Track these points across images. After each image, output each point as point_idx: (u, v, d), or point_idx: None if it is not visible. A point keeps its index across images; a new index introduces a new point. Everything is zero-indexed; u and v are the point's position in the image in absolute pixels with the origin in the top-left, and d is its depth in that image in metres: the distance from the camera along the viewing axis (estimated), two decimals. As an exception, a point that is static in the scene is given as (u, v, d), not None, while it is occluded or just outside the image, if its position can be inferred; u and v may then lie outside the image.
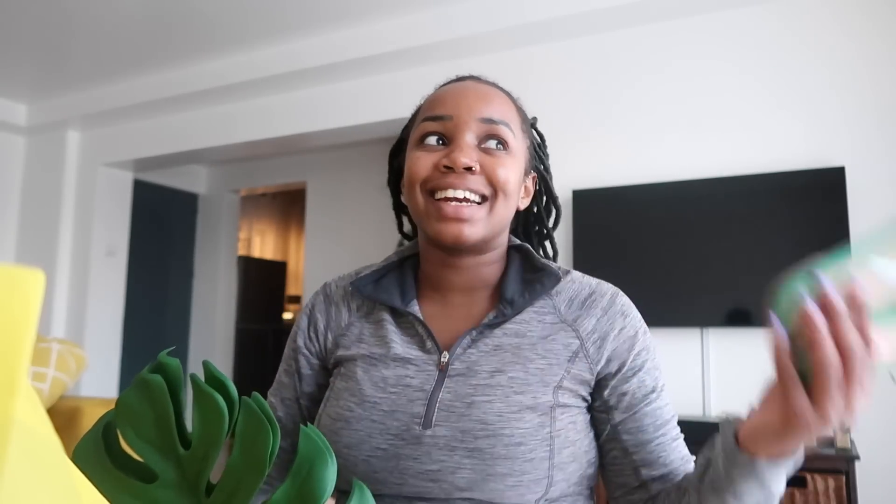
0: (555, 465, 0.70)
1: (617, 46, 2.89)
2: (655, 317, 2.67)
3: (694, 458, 0.76)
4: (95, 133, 4.43)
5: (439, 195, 0.74)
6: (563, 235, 2.87)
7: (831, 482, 2.10)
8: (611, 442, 0.76)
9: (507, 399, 0.72)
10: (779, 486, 0.63)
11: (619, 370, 0.75)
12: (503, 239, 0.82)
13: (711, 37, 2.72)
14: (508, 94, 0.82)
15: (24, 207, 4.56)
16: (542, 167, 0.87)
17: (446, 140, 0.76)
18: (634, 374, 0.76)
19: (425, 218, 0.76)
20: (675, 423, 0.77)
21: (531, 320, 0.77)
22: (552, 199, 0.89)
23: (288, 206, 7.85)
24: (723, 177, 2.60)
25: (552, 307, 0.78)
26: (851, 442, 2.24)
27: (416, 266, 0.85)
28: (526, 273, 0.80)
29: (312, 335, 0.85)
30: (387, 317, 0.81)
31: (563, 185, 2.87)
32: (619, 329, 0.76)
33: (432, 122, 0.76)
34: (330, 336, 0.84)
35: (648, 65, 2.83)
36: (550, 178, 0.88)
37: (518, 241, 0.84)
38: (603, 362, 0.75)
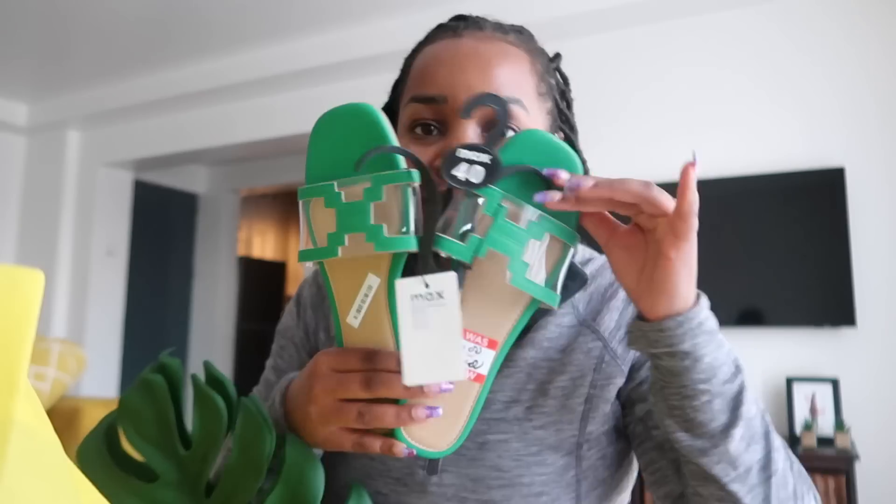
0: None
1: (614, 48, 2.89)
2: (655, 317, 2.69)
3: None
4: (95, 133, 4.43)
5: None
6: (563, 235, 2.87)
7: (831, 482, 2.10)
8: (644, 444, 0.63)
9: (526, 437, 0.61)
10: (699, 348, 0.52)
11: (636, 359, 0.64)
12: None
13: (711, 37, 2.72)
14: (519, 44, 0.66)
15: (24, 207, 4.56)
16: (568, 124, 0.70)
17: (441, 126, 0.61)
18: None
19: None
20: None
21: (547, 325, 0.64)
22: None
23: (288, 206, 7.85)
24: (722, 177, 2.60)
25: (571, 306, 0.65)
26: (851, 442, 2.24)
27: None
28: None
29: (303, 333, 0.75)
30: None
31: (563, 185, 2.87)
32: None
33: (423, 106, 0.61)
34: (322, 336, 0.73)
35: (647, 65, 2.83)
36: (576, 134, 0.71)
37: None
38: (630, 356, 0.63)
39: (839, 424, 2.25)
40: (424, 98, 0.61)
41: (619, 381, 0.62)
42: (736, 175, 2.58)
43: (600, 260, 0.69)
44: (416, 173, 0.53)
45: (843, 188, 2.39)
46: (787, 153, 2.55)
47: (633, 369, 0.64)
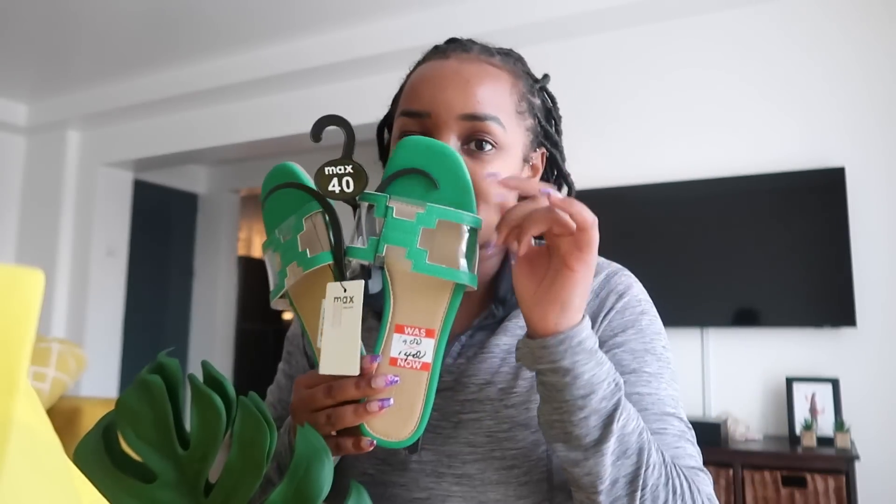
0: (555, 486, 0.65)
1: (615, 47, 2.89)
2: (655, 317, 2.70)
3: (695, 455, 0.66)
4: (95, 133, 4.43)
5: None
6: (563, 235, 2.87)
7: (831, 482, 2.10)
8: None
9: (497, 415, 0.66)
10: (578, 366, 0.56)
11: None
12: None
13: (711, 37, 2.72)
14: (502, 65, 0.70)
15: (24, 207, 4.56)
16: (551, 141, 0.75)
17: None
18: (609, 351, 0.67)
19: None
20: (669, 419, 0.66)
21: (521, 315, 0.69)
22: (562, 175, 0.77)
23: (288, 206, 7.85)
24: (723, 177, 2.60)
25: None
26: (851, 442, 2.24)
27: None
28: None
29: (308, 340, 0.81)
30: (374, 324, 0.73)
31: (563, 186, 2.87)
32: (609, 309, 0.69)
33: (410, 120, 0.68)
34: None
35: (648, 65, 2.82)
36: (560, 153, 0.76)
37: None
38: None
39: (839, 424, 2.25)
40: (411, 113, 0.68)
41: None
42: (736, 175, 2.57)
43: None
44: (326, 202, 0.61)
45: (843, 188, 2.39)
46: (787, 153, 2.55)
47: None
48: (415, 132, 0.67)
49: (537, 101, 0.73)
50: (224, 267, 5.47)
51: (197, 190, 5.57)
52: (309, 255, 0.61)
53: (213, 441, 0.55)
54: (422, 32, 3.08)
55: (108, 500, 0.32)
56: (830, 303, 2.40)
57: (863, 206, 2.42)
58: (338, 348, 0.58)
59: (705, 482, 0.63)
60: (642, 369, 0.67)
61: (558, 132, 0.77)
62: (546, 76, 0.77)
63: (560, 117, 0.78)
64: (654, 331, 0.70)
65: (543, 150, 0.74)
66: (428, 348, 0.60)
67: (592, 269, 0.57)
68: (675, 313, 2.59)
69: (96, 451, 0.56)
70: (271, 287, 0.64)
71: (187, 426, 0.58)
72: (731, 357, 2.56)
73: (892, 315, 2.36)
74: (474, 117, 0.65)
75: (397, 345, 0.60)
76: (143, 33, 3.40)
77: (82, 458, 0.56)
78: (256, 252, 7.74)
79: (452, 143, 0.65)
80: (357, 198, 0.60)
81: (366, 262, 0.60)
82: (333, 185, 0.60)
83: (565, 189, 0.78)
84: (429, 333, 0.60)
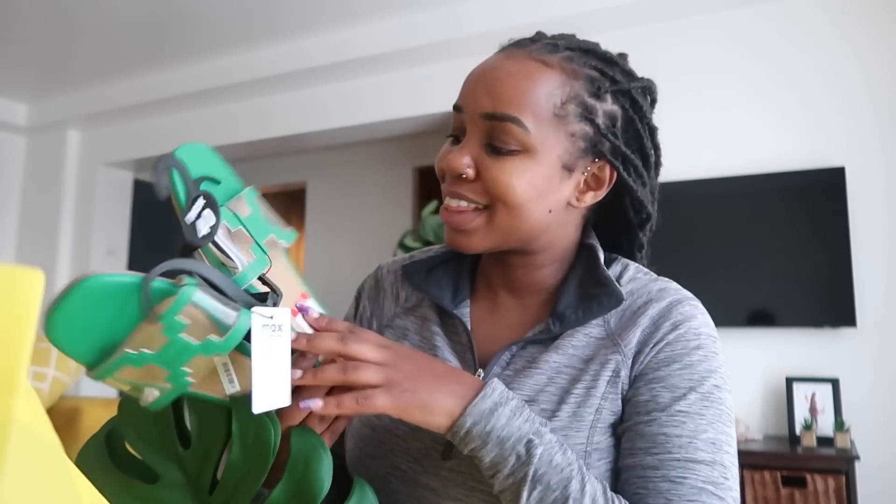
0: None
1: (615, 48, 2.88)
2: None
3: None
4: (95, 133, 4.43)
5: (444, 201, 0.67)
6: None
7: (831, 482, 2.10)
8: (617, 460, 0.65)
9: None
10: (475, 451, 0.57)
11: (638, 378, 0.63)
12: (559, 240, 0.69)
13: (712, 37, 2.72)
14: (556, 63, 0.65)
15: (24, 207, 4.56)
16: (615, 154, 0.67)
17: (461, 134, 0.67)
18: (648, 384, 0.62)
19: None
20: (696, 467, 0.59)
21: (576, 333, 0.66)
22: (627, 190, 0.69)
23: (288, 206, 7.85)
24: (723, 177, 2.60)
25: (603, 319, 0.66)
26: (851, 442, 2.24)
27: (479, 257, 0.75)
28: (587, 285, 0.67)
29: (357, 320, 0.79)
30: (432, 316, 0.72)
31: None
32: (660, 340, 0.63)
33: (455, 113, 0.67)
34: (374, 325, 0.77)
35: (648, 66, 2.81)
36: (633, 170, 0.68)
37: (589, 241, 0.71)
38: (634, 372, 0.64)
39: (839, 424, 2.25)
40: (455, 107, 0.67)
41: (625, 395, 0.64)
42: (735, 175, 2.57)
43: (645, 279, 0.70)
44: (190, 280, 0.50)
45: (843, 188, 2.39)
46: (788, 153, 2.55)
47: (634, 384, 0.64)
48: (454, 124, 0.67)
49: (602, 107, 0.67)
50: (224, 267, 5.46)
51: (197, 190, 5.57)
52: (218, 339, 0.49)
53: (214, 439, 0.55)
54: (422, 32, 3.08)
55: (112, 501, 0.32)
56: (830, 303, 2.40)
57: (863, 206, 2.41)
58: (272, 380, 0.52)
59: None
60: (676, 408, 0.61)
61: (640, 147, 0.70)
62: (616, 81, 0.70)
63: (645, 131, 0.71)
64: (708, 368, 0.63)
65: (590, 158, 0.66)
66: (283, 314, 0.56)
67: (406, 405, 0.55)
68: (676, 313, 2.58)
69: (100, 455, 0.56)
70: (144, 399, 0.51)
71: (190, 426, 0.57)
72: (731, 357, 2.55)
73: (892, 315, 2.36)
74: (492, 117, 0.63)
75: (309, 315, 0.59)
76: (143, 33, 3.40)
77: (86, 462, 0.56)
78: (256, 252, 7.75)
79: (473, 138, 0.64)
80: (205, 236, 0.55)
81: (264, 271, 0.57)
82: (202, 227, 0.55)
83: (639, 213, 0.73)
84: (303, 295, 0.61)
